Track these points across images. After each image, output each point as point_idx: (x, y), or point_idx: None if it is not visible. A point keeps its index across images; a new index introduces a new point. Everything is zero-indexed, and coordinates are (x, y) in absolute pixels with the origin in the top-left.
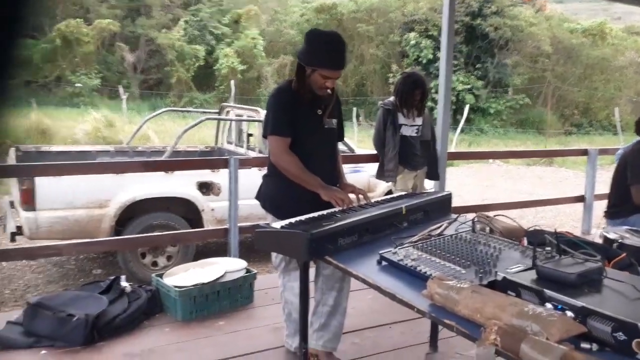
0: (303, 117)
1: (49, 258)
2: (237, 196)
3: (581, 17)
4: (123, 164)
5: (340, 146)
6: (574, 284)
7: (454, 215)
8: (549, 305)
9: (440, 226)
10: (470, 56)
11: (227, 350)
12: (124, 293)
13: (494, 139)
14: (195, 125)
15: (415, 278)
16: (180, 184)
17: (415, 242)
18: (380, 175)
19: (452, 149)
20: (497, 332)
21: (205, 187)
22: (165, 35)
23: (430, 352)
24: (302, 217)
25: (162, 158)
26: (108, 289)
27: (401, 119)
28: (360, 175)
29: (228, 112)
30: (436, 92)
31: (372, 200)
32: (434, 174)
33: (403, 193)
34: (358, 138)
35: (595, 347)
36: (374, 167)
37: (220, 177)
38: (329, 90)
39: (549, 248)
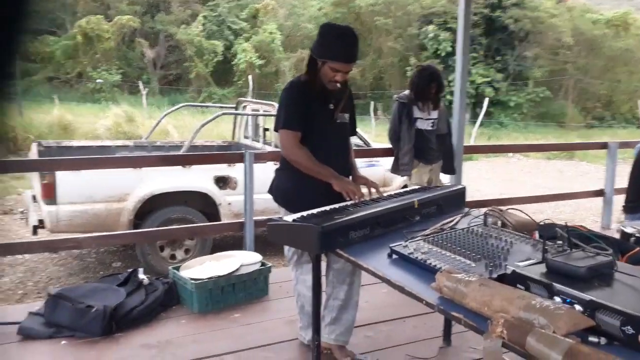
0: (315, 112)
1: (70, 251)
2: (252, 190)
3: (604, 7)
4: (141, 159)
5: (356, 140)
6: (583, 277)
7: (466, 209)
8: (557, 299)
9: (453, 220)
10: (490, 48)
11: (242, 342)
12: (142, 285)
13: (514, 132)
14: (212, 120)
15: (425, 271)
16: (198, 178)
17: (427, 235)
18: (395, 169)
19: (471, 142)
20: (504, 325)
21: (222, 181)
22: (184, 31)
23: (443, 346)
24: (314, 211)
25: (180, 153)
26: (126, 281)
27: (416, 113)
28: (376, 170)
29: (245, 107)
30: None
31: (385, 194)
32: (450, 167)
33: (417, 187)
34: (375, 132)
35: (603, 340)
36: (389, 161)
37: (236, 171)
38: (338, 85)
39: (560, 242)
